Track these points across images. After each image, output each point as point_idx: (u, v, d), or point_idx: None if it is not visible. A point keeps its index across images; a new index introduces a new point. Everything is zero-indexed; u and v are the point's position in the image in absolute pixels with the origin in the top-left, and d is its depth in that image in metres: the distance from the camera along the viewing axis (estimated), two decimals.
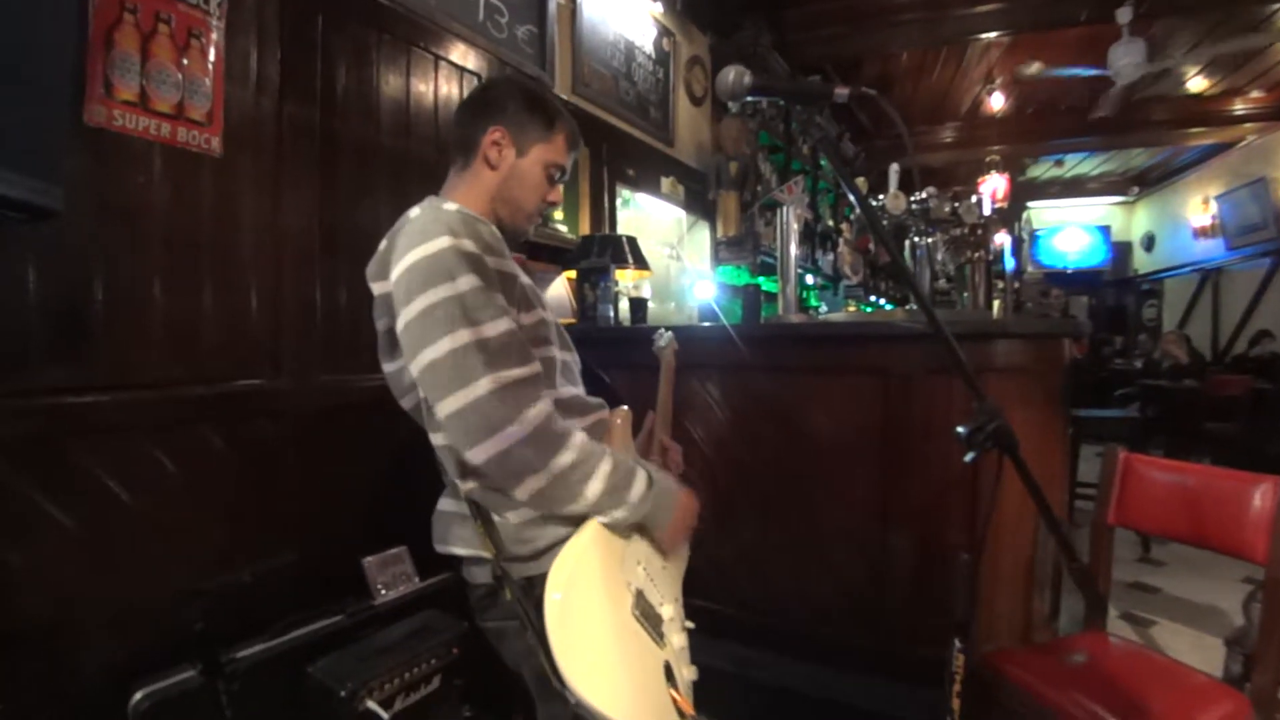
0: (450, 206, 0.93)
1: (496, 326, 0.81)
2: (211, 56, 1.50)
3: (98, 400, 1.31)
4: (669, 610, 0.96)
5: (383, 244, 0.95)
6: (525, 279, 0.98)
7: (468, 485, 0.92)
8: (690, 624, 1.02)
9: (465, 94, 2.21)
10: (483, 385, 0.78)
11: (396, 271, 0.86)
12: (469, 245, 0.85)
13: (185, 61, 1.45)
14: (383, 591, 1.63)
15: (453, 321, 0.80)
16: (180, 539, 1.42)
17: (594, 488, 0.83)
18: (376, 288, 0.94)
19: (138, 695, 1.22)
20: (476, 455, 0.79)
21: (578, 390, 1.04)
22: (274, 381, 1.63)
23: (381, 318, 0.96)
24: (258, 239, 1.60)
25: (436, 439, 0.96)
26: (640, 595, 0.91)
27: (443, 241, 0.84)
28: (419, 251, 0.84)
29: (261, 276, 1.61)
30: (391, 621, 1.58)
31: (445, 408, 0.79)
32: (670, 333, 1.48)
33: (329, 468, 1.73)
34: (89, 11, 1.28)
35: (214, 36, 1.50)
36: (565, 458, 0.81)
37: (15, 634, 1.18)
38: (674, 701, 0.86)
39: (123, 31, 1.34)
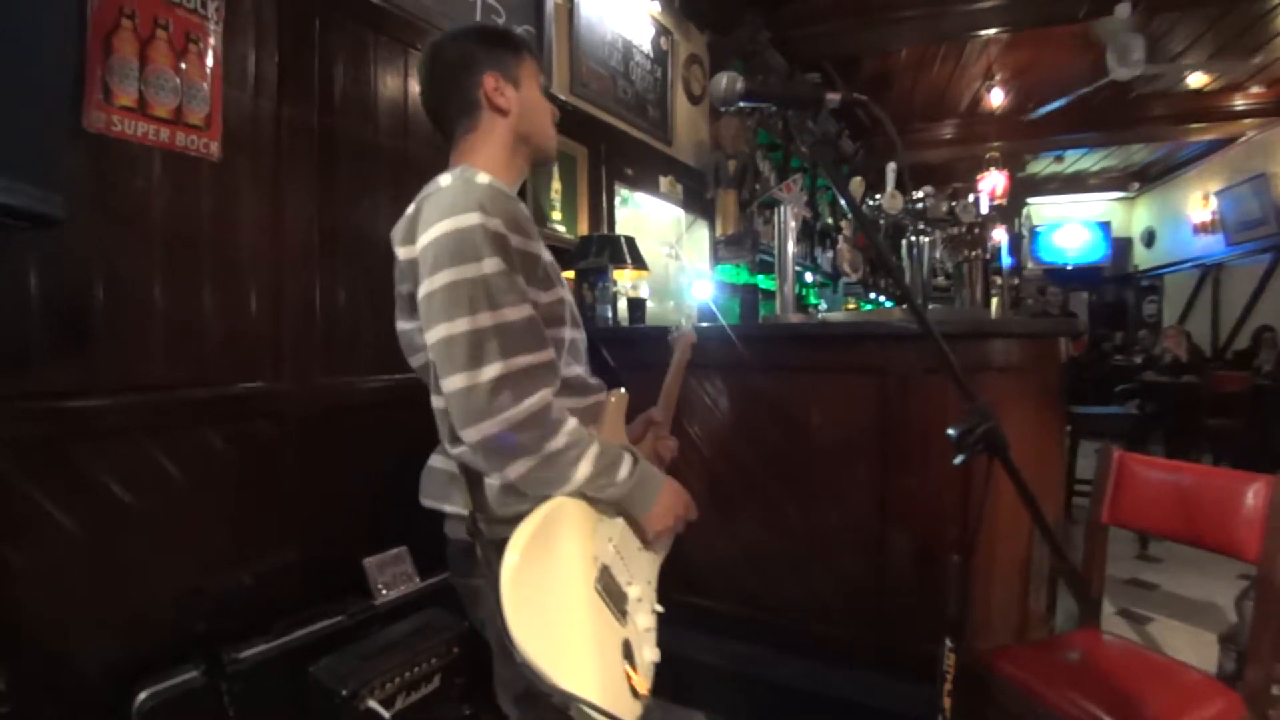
0: (483, 179, 0.91)
1: (519, 311, 0.83)
2: (209, 61, 1.50)
3: (100, 403, 1.32)
4: (636, 590, 0.96)
5: (410, 208, 0.94)
6: (548, 256, 0.97)
7: (458, 449, 0.92)
8: (660, 608, 1.02)
9: None
10: (493, 370, 0.80)
11: (424, 240, 0.86)
12: (497, 224, 0.85)
13: (183, 66, 1.45)
14: (383, 591, 1.64)
15: (475, 302, 0.81)
16: (183, 540, 1.44)
17: (583, 470, 0.84)
18: (401, 251, 0.93)
19: (141, 695, 1.24)
20: (471, 435, 0.81)
21: (581, 369, 1.03)
22: (274, 384, 1.64)
23: (404, 282, 0.95)
24: (257, 242, 1.61)
25: (437, 402, 0.95)
26: (606, 570, 0.92)
27: (473, 218, 0.84)
28: (448, 224, 0.84)
29: (261, 279, 1.62)
30: (392, 621, 1.60)
31: (452, 384, 0.81)
32: (689, 324, 1.46)
33: (329, 469, 1.74)
34: (87, 17, 1.29)
35: (212, 41, 1.51)
36: (559, 441, 0.82)
37: (20, 635, 1.20)
38: (628, 678, 0.87)
39: (121, 37, 1.35)
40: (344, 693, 1.33)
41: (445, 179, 0.93)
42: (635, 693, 0.87)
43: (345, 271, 1.80)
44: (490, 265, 0.83)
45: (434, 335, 0.84)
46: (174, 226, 1.45)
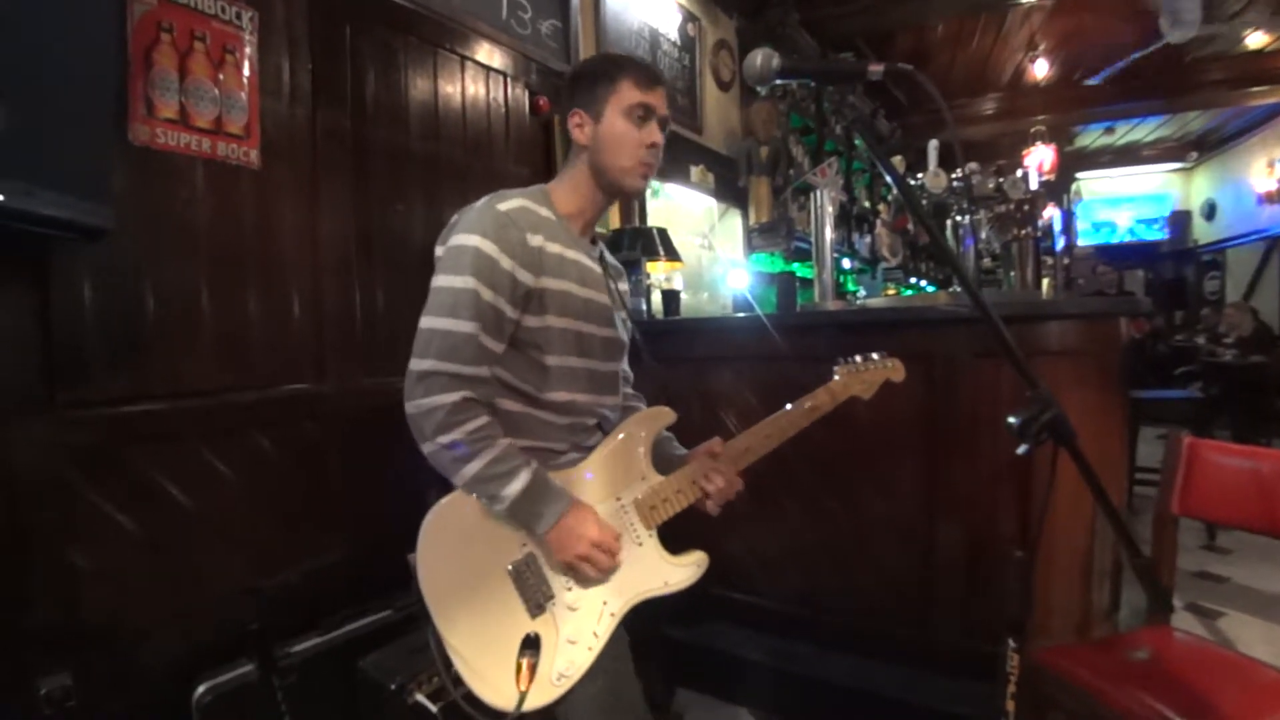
0: (505, 206, 1.01)
1: (463, 326, 0.95)
2: (246, 71, 1.53)
3: (153, 408, 1.36)
4: (571, 598, 0.99)
5: (454, 218, 1.08)
6: (554, 285, 1.02)
7: None
8: (598, 635, 0.99)
9: (491, 92, 2.22)
10: (425, 364, 0.95)
11: (444, 248, 1.03)
12: (492, 248, 0.97)
13: (221, 77, 1.48)
14: None
15: (441, 307, 0.97)
16: (235, 539, 1.48)
17: (471, 469, 0.94)
18: (438, 249, 1.07)
19: (200, 689, 1.28)
20: (407, 408, 0.97)
21: (574, 395, 1.07)
22: (318, 385, 1.67)
23: None
24: (298, 246, 1.64)
25: None
26: (531, 560, 0.99)
27: (473, 239, 0.97)
28: (458, 239, 0.99)
29: (302, 282, 1.65)
30: None
31: (410, 364, 0.98)
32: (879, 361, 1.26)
33: (373, 466, 1.76)
34: (128, 33, 1.32)
35: (247, 51, 1.53)
36: (450, 436, 0.94)
37: (85, 633, 1.25)
38: (517, 670, 0.90)
39: (161, 51, 1.38)
40: (392, 686, 1.35)
41: (480, 201, 1.04)
42: (518, 688, 0.89)
43: (383, 272, 1.82)
44: (465, 282, 0.95)
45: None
46: (218, 234, 1.48)
